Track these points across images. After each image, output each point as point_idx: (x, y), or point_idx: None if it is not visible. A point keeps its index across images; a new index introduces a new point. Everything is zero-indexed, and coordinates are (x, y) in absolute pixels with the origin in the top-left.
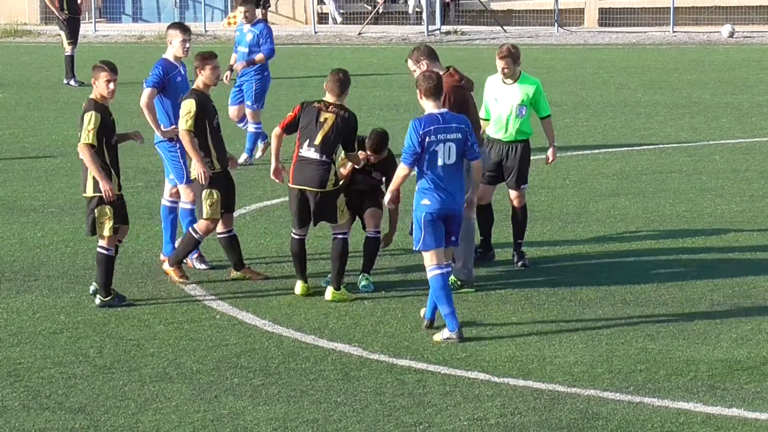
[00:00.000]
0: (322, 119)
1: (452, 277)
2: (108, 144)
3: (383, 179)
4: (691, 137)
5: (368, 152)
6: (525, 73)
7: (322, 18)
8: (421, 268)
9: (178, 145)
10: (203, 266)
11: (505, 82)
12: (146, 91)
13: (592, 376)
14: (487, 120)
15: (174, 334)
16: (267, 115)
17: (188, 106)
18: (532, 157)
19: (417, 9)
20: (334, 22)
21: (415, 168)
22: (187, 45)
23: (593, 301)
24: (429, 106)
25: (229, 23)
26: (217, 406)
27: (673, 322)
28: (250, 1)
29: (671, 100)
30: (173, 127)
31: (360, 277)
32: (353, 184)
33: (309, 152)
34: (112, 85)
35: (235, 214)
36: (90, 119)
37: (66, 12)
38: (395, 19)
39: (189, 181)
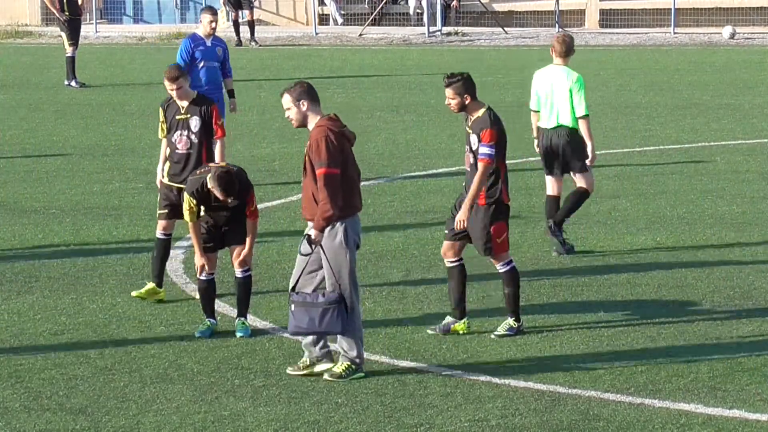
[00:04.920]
0: None
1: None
2: None
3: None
4: (692, 138)
5: (222, 198)
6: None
7: (323, 19)
8: (422, 268)
9: None
10: None
11: None
12: None
13: (593, 377)
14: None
15: (175, 335)
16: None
17: None
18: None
19: (418, 10)
20: (335, 23)
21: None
22: None
23: (594, 303)
24: None
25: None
26: (218, 407)
27: (674, 323)
28: (216, 12)
29: (672, 102)
30: None
31: (236, 321)
32: (212, 218)
33: None
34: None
35: None
36: None
37: (66, 13)
38: (396, 21)
39: None
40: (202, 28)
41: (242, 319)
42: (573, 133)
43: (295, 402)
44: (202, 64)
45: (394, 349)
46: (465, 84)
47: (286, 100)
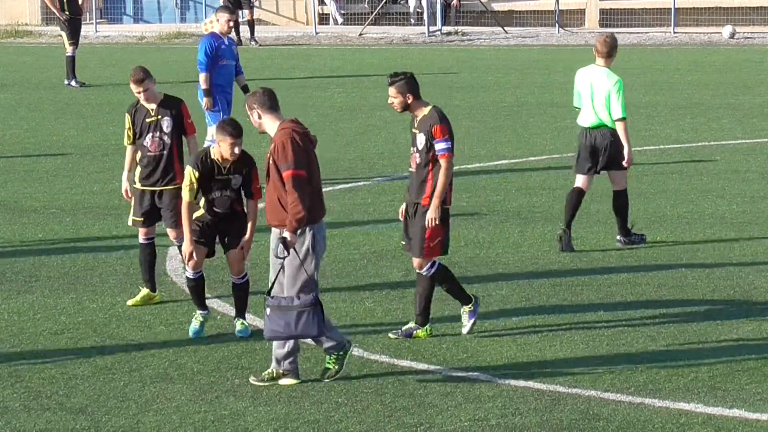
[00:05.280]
0: None
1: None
2: None
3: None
4: (692, 138)
5: (230, 149)
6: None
7: (323, 19)
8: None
9: None
10: None
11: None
12: None
13: (593, 376)
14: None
15: (175, 334)
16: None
17: None
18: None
19: (418, 10)
20: (335, 22)
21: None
22: None
23: (594, 302)
24: None
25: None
26: (218, 407)
27: (674, 322)
28: (234, 11)
29: (672, 101)
30: None
31: (236, 321)
32: (212, 205)
33: None
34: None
35: None
36: None
37: (66, 13)
38: (396, 20)
39: None
40: (218, 26)
41: (241, 319)
42: (615, 133)
43: (295, 402)
44: (223, 62)
45: (394, 349)
46: (408, 83)
47: (247, 108)
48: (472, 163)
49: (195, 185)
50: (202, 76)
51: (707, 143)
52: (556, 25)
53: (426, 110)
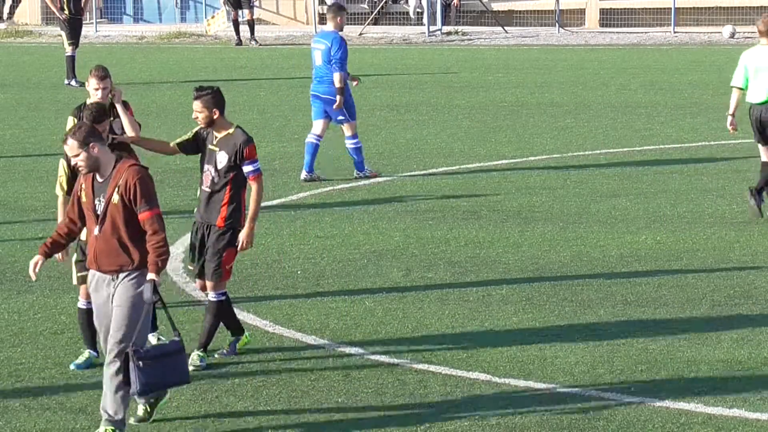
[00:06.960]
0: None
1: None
2: None
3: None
4: (692, 138)
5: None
6: None
7: (323, 18)
8: (422, 267)
9: None
10: None
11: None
12: None
13: (593, 376)
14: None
15: None
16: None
17: None
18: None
19: (418, 9)
20: None
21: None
22: None
23: (594, 302)
24: None
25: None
26: (218, 407)
27: (674, 322)
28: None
29: (672, 101)
30: None
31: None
32: None
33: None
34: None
35: None
36: None
37: (66, 12)
38: (396, 20)
39: None
40: (334, 25)
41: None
42: None
43: (295, 402)
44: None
45: (395, 349)
46: (214, 98)
47: (73, 146)
48: (472, 162)
49: (67, 173)
50: (339, 76)
51: (707, 143)
52: (556, 24)
53: (231, 129)
